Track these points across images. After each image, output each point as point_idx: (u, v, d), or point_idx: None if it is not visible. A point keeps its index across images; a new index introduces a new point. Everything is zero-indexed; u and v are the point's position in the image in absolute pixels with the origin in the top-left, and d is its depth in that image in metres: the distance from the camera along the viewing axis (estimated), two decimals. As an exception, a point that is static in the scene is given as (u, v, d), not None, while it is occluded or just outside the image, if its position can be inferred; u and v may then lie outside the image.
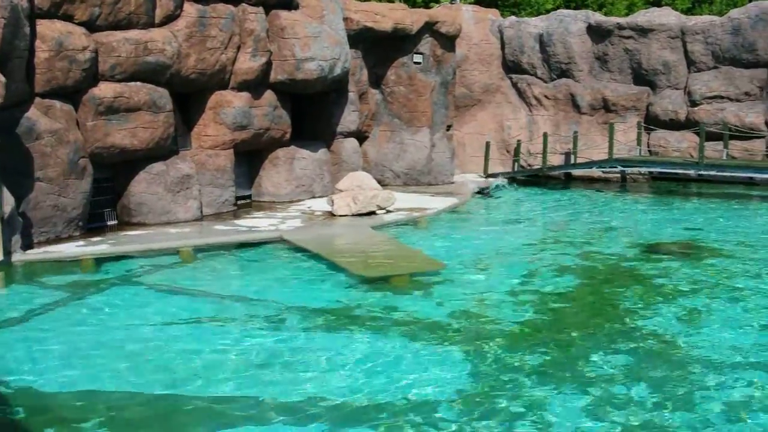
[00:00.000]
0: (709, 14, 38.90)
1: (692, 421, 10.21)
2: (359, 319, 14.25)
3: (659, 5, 43.84)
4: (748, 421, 10.27)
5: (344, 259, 17.94)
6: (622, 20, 33.90)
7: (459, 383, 11.40)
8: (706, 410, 10.54)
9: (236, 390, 11.13)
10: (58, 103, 19.20)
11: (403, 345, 12.89)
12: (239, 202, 24.59)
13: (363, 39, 28.30)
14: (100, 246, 18.66)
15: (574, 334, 13.63)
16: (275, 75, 24.56)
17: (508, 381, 11.46)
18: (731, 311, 14.99)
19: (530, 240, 21.60)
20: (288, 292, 16.16)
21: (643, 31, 33.16)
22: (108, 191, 21.48)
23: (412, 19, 29.24)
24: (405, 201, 25.31)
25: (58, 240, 18.99)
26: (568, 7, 41.82)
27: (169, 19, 21.69)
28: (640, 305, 15.37)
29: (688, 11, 43.10)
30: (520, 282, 17.03)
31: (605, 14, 37.22)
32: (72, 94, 19.63)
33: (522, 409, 10.51)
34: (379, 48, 29.29)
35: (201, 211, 22.46)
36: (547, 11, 42.52)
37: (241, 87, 23.58)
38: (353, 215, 22.86)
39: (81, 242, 18.97)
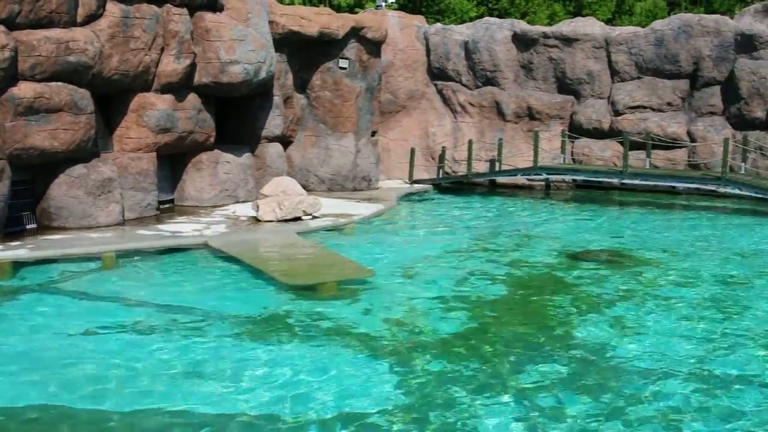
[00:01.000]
0: (630, 25, 39.33)
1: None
2: (286, 328, 13.94)
3: (580, 14, 44.32)
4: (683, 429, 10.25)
5: (270, 266, 17.62)
6: (547, 29, 34.10)
7: (389, 395, 11.17)
8: (640, 421, 10.46)
9: (157, 402, 10.77)
10: (-26, 103, 18.60)
11: (331, 355, 12.62)
12: (162, 207, 24.11)
13: (289, 43, 28.04)
14: (18, 251, 18.05)
15: (506, 343, 13.49)
16: (199, 77, 24.16)
17: (440, 393, 11.26)
18: (662, 320, 15.00)
19: (457, 247, 21.50)
20: (213, 299, 15.74)
21: (567, 41, 33.41)
22: (27, 194, 20.86)
23: (339, 23, 29.04)
24: (330, 207, 25.10)
25: (-27, 244, 18.40)
26: (491, 16, 42.00)
27: (92, 18, 21.15)
28: (570, 314, 15.34)
29: (608, 22, 43.56)
30: (450, 290, 16.87)
31: (528, 23, 37.33)
32: (-10, 93, 19.04)
33: (454, 421, 10.33)
34: (305, 52, 29.06)
35: (123, 216, 21.94)
36: (471, 19, 42.79)
37: (165, 89, 23.13)
38: (279, 221, 22.55)
39: (-2, 246, 18.41)
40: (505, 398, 11.12)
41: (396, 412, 10.59)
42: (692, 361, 12.78)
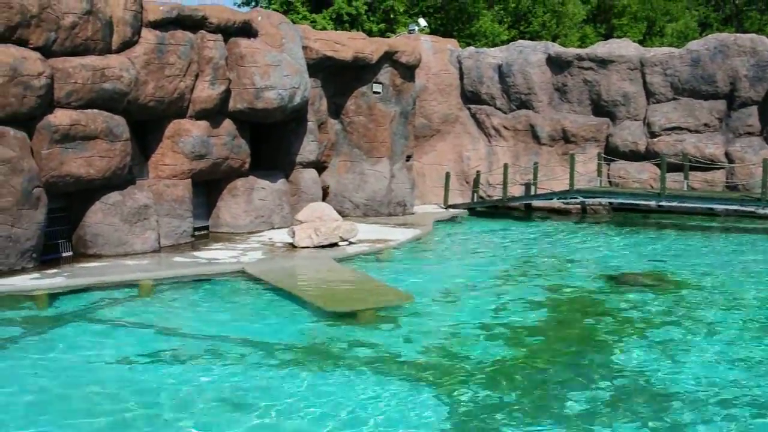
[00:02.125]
0: (660, 46, 39.04)
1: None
2: (326, 357, 13.68)
3: (612, 36, 44.10)
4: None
5: (309, 292, 17.39)
6: (581, 51, 33.91)
7: (435, 426, 10.90)
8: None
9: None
10: (11, 131, 18.45)
11: (373, 385, 12.33)
12: (197, 234, 23.96)
13: (323, 68, 27.95)
14: (55, 279, 17.92)
15: (550, 370, 13.22)
16: (234, 104, 24.08)
17: (486, 423, 10.98)
18: (706, 345, 14.71)
19: (496, 272, 21.24)
20: (252, 327, 15.54)
21: (602, 63, 33.20)
22: (63, 221, 20.79)
23: (372, 48, 28.93)
24: (367, 232, 24.89)
25: (11, 272, 18.24)
26: (522, 39, 41.82)
27: (127, 45, 21.14)
28: (614, 339, 15.05)
29: (639, 43, 43.23)
30: (491, 316, 16.62)
31: (560, 45, 37.15)
32: (26, 120, 18.88)
33: (504, 453, 10.10)
34: (339, 77, 28.97)
35: (159, 243, 21.83)
36: (503, 42, 42.62)
37: (200, 115, 23.07)
38: (315, 247, 22.37)
39: (35, 274, 18.24)
40: (553, 428, 10.83)
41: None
42: (740, 388, 12.47)
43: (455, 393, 12.08)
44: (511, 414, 11.26)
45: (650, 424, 10.97)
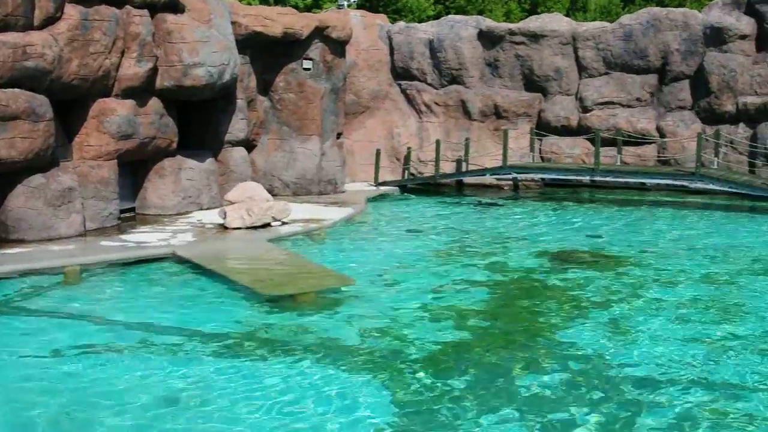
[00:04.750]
0: (584, 21, 38.92)
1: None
2: (266, 344, 13.10)
3: (536, 12, 44.03)
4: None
5: (245, 276, 16.80)
6: (513, 26, 33.72)
7: (381, 413, 10.44)
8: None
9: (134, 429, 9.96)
10: (-74, 112, 17.56)
11: (316, 373, 11.83)
12: (123, 216, 23.12)
13: (251, 44, 27.23)
14: (-25, 266, 17.11)
15: (498, 352, 12.86)
16: (161, 81, 23.25)
17: (435, 409, 10.55)
18: (653, 323, 14.49)
19: (434, 250, 20.89)
20: (186, 314, 14.88)
21: (534, 37, 33.00)
22: (-17, 207, 19.89)
23: (303, 23, 28.29)
24: (299, 212, 24.27)
25: (-72, 261, 17.38)
26: (448, 14, 41.42)
27: (50, 21, 20.12)
28: (560, 319, 14.77)
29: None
30: (433, 297, 16.23)
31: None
32: (-58, 101, 17.98)
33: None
34: (268, 53, 28.29)
35: (84, 226, 20.95)
36: (428, 17, 42.22)
37: (126, 94, 22.17)
38: (247, 228, 21.75)
39: (-46, 263, 17.39)
40: (503, 411, 10.48)
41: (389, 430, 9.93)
42: (693, 366, 12.29)
43: (402, 379, 11.65)
44: (461, 399, 10.84)
45: (603, 407, 10.65)
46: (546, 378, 11.72)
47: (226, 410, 10.45)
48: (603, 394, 11.10)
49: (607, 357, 12.67)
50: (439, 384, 11.43)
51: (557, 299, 16.20)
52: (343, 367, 12.09)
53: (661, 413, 10.50)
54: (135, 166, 23.90)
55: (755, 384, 11.58)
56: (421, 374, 11.81)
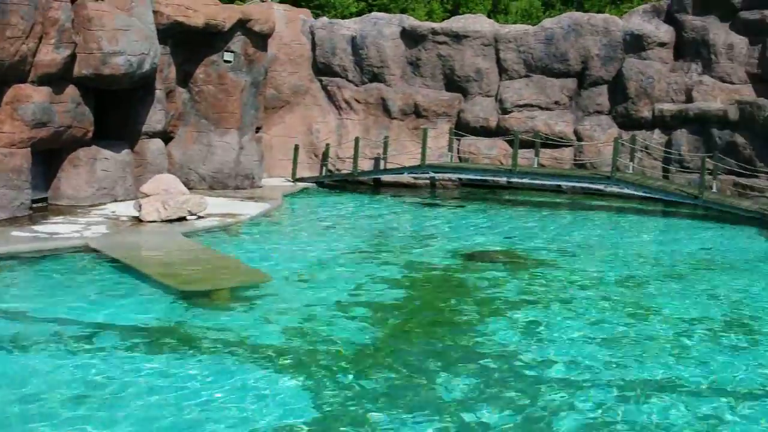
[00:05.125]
0: (505, 23, 39.15)
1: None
2: (181, 342, 12.88)
3: (458, 13, 44.19)
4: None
5: (160, 271, 16.53)
6: (436, 25, 33.72)
7: (300, 415, 10.33)
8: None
9: (44, 428, 9.68)
10: None
11: (232, 372, 11.68)
12: (35, 206, 22.59)
13: (172, 34, 26.81)
14: None
15: (416, 352, 12.80)
16: (79, 69, 22.75)
17: (355, 411, 10.48)
18: (569, 324, 14.63)
19: (350, 248, 20.80)
20: (99, 309, 14.50)
21: (457, 37, 33.05)
22: None
23: (225, 15, 27.96)
24: (215, 206, 24.04)
25: None
26: (371, 11, 41.29)
27: (-37, 3, 19.69)
28: (476, 319, 14.84)
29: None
30: (349, 295, 16.16)
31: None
32: None
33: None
34: (189, 44, 27.86)
35: (-6, 215, 20.51)
36: (351, 14, 42.09)
37: (42, 81, 21.64)
38: (162, 221, 21.41)
39: None
40: (421, 412, 10.45)
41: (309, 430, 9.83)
42: (608, 366, 12.44)
43: (320, 379, 11.55)
44: (380, 401, 10.81)
45: (521, 408, 10.71)
46: (463, 378, 11.74)
47: (140, 409, 10.26)
48: (520, 395, 11.16)
49: (524, 357, 12.74)
50: (357, 383, 11.39)
51: (473, 299, 16.27)
52: (261, 366, 11.96)
53: (578, 414, 10.59)
54: (49, 155, 23.36)
55: (669, 384, 11.75)
56: (339, 373, 11.75)
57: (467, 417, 10.38)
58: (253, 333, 13.46)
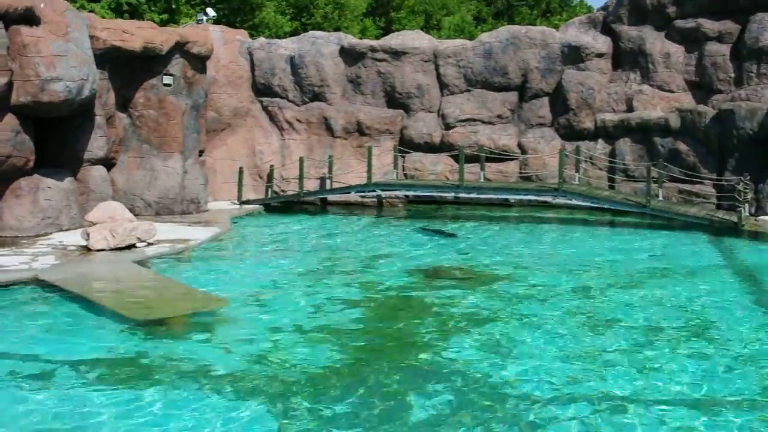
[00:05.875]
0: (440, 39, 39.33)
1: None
2: (139, 374, 12.45)
3: (391, 30, 44.35)
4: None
5: (113, 300, 16.12)
6: (375, 43, 33.75)
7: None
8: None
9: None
10: None
11: (194, 402, 11.33)
12: (-23, 238, 22.09)
13: (110, 59, 26.45)
14: None
15: (382, 375, 12.54)
16: (17, 97, 22.29)
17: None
18: (533, 340, 14.48)
19: (304, 270, 20.51)
20: (52, 343, 14.05)
21: (396, 54, 33.07)
22: None
23: (163, 38, 27.64)
24: (164, 232, 23.66)
25: None
26: (305, 30, 41.23)
27: None
28: (439, 338, 14.60)
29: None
30: (309, 318, 15.84)
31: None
32: None
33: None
34: (127, 68, 27.52)
35: (-64, 250, 19.95)
36: (285, 34, 42.00)
37: (-20, 110, 21.23)
38: (111, 249, 21.00)
39: None
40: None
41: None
42: (574, 381, 12.30)
43: (285, 406, 11.23)
44: (348, 424, 10.56)
45: (491, 426, 10.53)
46: (430, 398, 11.53)
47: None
48: (489, 413, 10.97)
49: (490, 374, 12.55)
50: (323, 409, 11.11)
51: (433, 317, 16.05)
52: (223, 394, 11.63)
53: (548, 430, 10.44)
54: (-11, 186, 22.88)
55: (634, 396, 11.65)
56: (303, 399, 11.45)
57: (441, 437, 10.18)
58: (213, 360, 13.10)
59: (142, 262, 20.04)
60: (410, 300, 17.57)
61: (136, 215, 25.14)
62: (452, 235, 24.30)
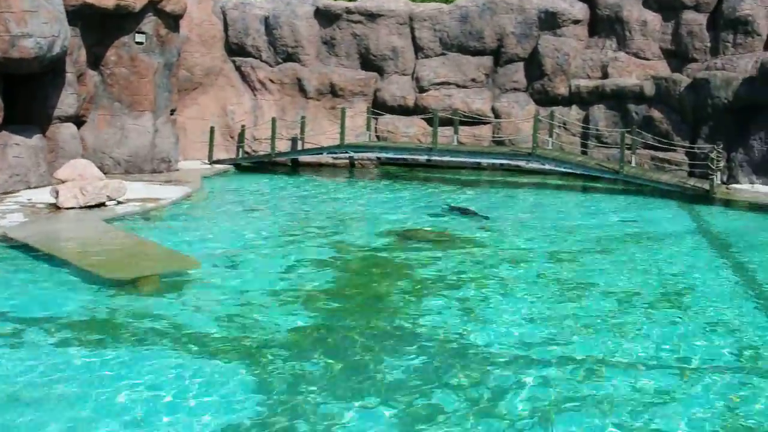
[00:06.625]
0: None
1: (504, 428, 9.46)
2: (112, 332, 12.32)
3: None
4: (556, 421, 9.66)
5: (84, 259, 15.92)
6: (350, 4, 33.47)
7: (243, 405, 9.97)
8: (515, 415, 9.79)
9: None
10: None
11: (168, 362, 11.20)
12: (-56, 195, 21.80)
13: (82, 16, 26.02)
14: None
15: (356, 336, 12.47)
16: (-14, 53, 21.98)
17: (300, 399, 10.11)
18: (507, 302, 14.47)
19: (276, 230, 20.46)
20: (23, 301, 13.91)
21: (371, 16, 32.90)
22: None
23: (136, -5, 27.24)
24: (134, 191, 23.38)
25: None
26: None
27: None
28: (414, 300, 14.55)
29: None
30: (281, 279, 15.74)
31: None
32: None
33: (323, 429, 9.34)
34: (99, 26, 27.13)
35: None
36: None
37: (-52, 65, 20.89)
38: (81, 207, 20.77)
39: None
40: (367, 398, 10.18)
41: (253, 425, 9.46)
42: (550, 344, 12.29)
43: (260, 367, 11.14)
44: (326, 388, 10.47)
45: (466, 389, 10.49)
46: (407, 360, 11.49)
47: (75, 403, 9.79)
48: (464, 376, 10.93)
49: (466, 337, 12.53)
50: (299, 371, 11.02)
51: (407, 279, 16.00)
52: (198, 355, 11.53)
53: (523, 393, 10.40)
54: (-43, 143, 22.56)
55: (610, 359, 11.68)
56: (278, 361, 11.38)
57: (416, 400, 10.12)
58: (187, 320, 13.00)
59: (112, 221, 19.84)
60: (383, 262, 17.54)
61: (105, 173, 24.83)
62: (486, 218, 22.33)
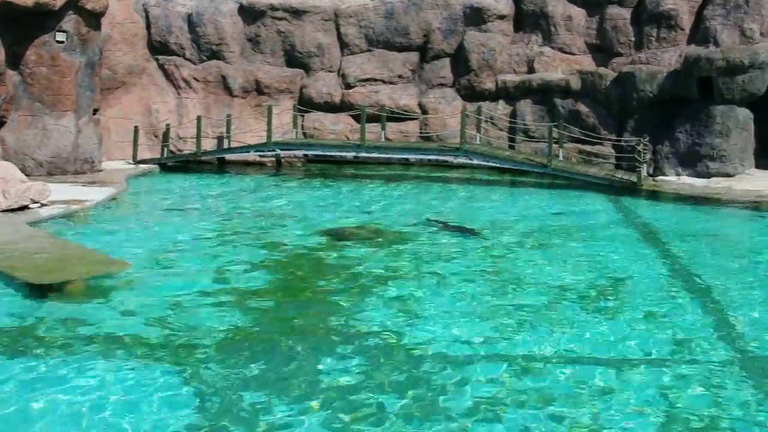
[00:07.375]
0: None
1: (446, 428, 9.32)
2: (38, 340, 11.92)
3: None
4: (502, 417, 9.54)
5: (8, 263, 15.45)
6: (275, 1, 33.44)
7: (181, 411, 9.66)
8: (457, 414, 9.64)
9: None
10: None
11: (100, 369, 10.83)
12: None
13: (0, 14, 25.38)
14: None
15: (291, 338, 12.24)
16: None
17: (238, 403, 9.88)
18: (441, 299, 14.37)
19: (207, 231, 20.10)
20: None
21: (296, 13, 32.85)
22: None
23: (55, -7, 26.66)
24: (58, 192, 22.85)
25: None
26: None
27: None
28: (349, 299, 14.31)
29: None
30: (213, 280, 15.42)
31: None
32: None
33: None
34: (19, 24, 26.48)
35: None
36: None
37: None
38: (3, 211, 20.26)
39: None
40: (306, 401, 9.93)
41: (186, 429, 9.21)
42: (489, 341, 12.17)
43: (194, 372, 10.82)
44: (262, 391, 10.23)
45: (408, 390, 10.28)
46: (345, 361, 11.31)
47: (5, 417, 9.43)
48: (405, 376, 10.76)
49: (403, 336, 12.35)
50: (234, 374, 10.76)
51: (341, 278, 15.78)
52: (125, 359, 11.18)
53: (465, 392, 10.27)
54: None
55: (550, 356, 11.61)
56: (213, 364, 11.10)
57: (356, 401, 9.94)
58: (118, 325, 12.64)
59: (36, 224, 19.38)
60: (316, 261, 17.31)
61: (27, 175, 24.22)
62: (476, 234, 20.09)
